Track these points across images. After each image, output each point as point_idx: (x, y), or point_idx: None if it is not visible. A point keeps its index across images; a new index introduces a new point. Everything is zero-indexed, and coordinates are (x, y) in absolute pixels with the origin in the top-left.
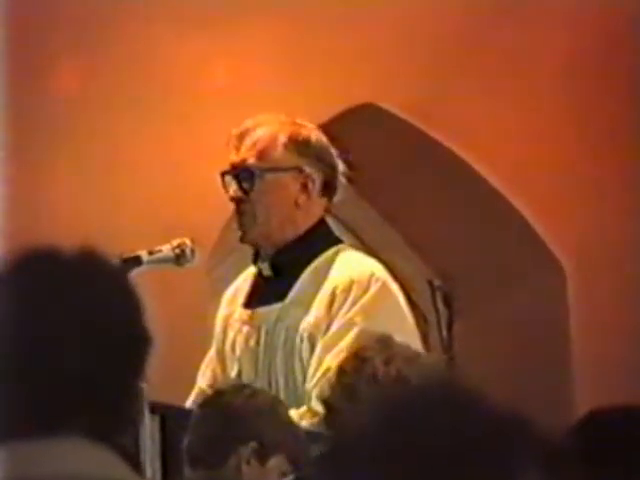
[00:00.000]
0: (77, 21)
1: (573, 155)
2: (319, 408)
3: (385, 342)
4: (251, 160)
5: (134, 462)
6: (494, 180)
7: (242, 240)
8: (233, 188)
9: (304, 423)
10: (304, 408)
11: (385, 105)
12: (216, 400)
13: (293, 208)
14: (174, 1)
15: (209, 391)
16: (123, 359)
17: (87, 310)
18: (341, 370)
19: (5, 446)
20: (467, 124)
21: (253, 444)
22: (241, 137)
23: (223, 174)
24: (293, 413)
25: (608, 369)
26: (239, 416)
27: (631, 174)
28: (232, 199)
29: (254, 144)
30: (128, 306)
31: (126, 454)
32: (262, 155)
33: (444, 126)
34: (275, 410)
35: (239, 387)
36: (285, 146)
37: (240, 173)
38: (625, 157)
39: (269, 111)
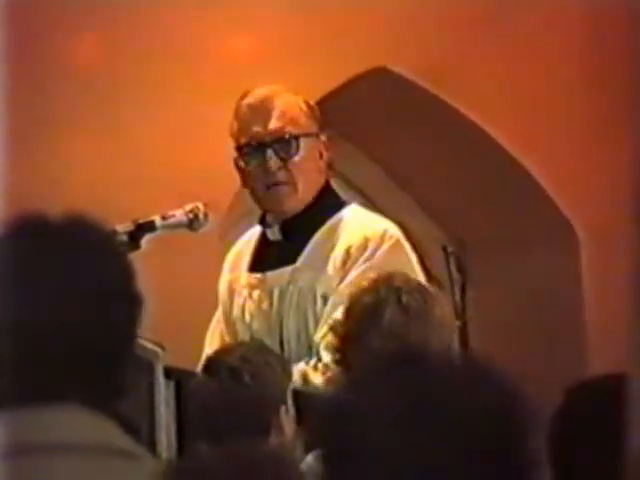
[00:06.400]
0: None
1: (589, 122)
2: (328, 359)
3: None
4: (289, 127)
5: (134, 429)
6: (509, 146)
7: (279, 212)
8: (273, 159)
9: (317, 380)
10: (314, 360)
11: (397, 69)
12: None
13: (319, 174)
14: None
15: None
16: (115, 324)
17: (77, 276)
18: (363, 290)
19: (1, 414)
20: (481, 89)
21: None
22: (262, 107)
23: (250, 145)
24: (303, 367)
25: (622, 336)
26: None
27: None
28: (266, 170)
29: (284, 112)
30: (118, 269)
31: (125, 421)
32: (296, 122)
33: (458, 90)
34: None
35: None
36: (305, 113)
37: (277, 142)
38: None
39: (283, 77)
